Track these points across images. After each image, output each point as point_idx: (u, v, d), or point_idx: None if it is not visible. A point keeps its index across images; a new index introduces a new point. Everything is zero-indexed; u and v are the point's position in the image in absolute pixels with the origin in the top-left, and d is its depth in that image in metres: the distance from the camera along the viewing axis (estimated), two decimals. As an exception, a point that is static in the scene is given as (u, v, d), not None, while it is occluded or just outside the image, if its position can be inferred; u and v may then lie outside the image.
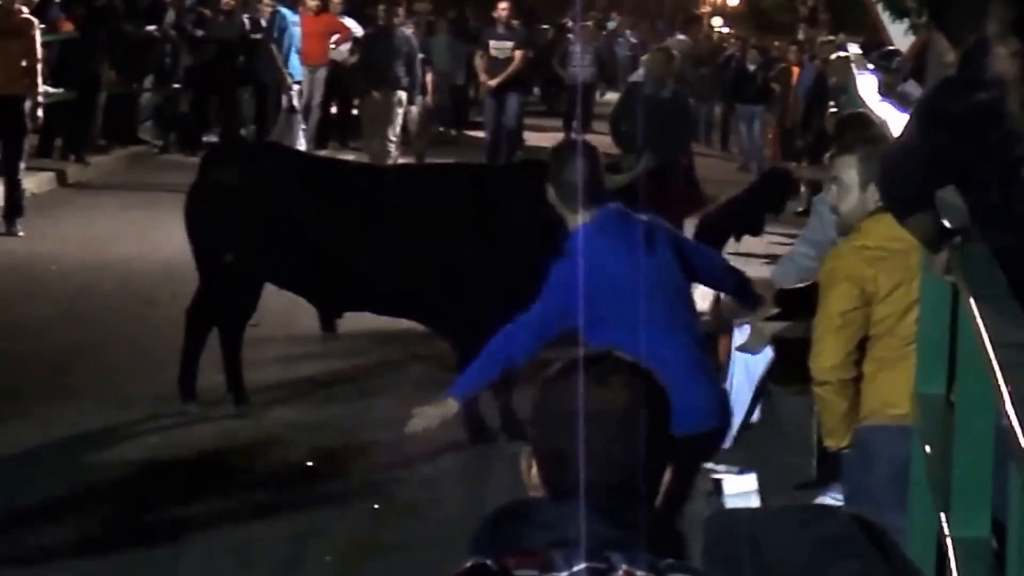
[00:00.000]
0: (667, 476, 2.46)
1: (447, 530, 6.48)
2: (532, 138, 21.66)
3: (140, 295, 10.62)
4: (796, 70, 20.17)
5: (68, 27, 17.09)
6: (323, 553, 6.60)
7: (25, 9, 13.32)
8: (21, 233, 13.20)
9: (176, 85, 19.11)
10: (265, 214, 8.25)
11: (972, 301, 3.64)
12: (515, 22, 21.49)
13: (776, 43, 22.51)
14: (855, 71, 12.61)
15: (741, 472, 7.00)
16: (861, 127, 6.03)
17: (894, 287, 5.12)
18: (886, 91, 11.18)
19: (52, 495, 7.14)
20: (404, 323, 8.75)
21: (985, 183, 4.35)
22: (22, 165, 13.46)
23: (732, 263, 6.49)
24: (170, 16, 19.34)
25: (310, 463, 7.74)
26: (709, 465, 6.72)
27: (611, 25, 32.33)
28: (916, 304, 4.98)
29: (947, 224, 4.48)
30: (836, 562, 2.13)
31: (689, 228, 11.04)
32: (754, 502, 6.67)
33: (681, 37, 21.93)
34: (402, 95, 16.42)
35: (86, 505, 7.06)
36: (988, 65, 4.20)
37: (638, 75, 22.06)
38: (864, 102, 9.17)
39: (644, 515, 2.37)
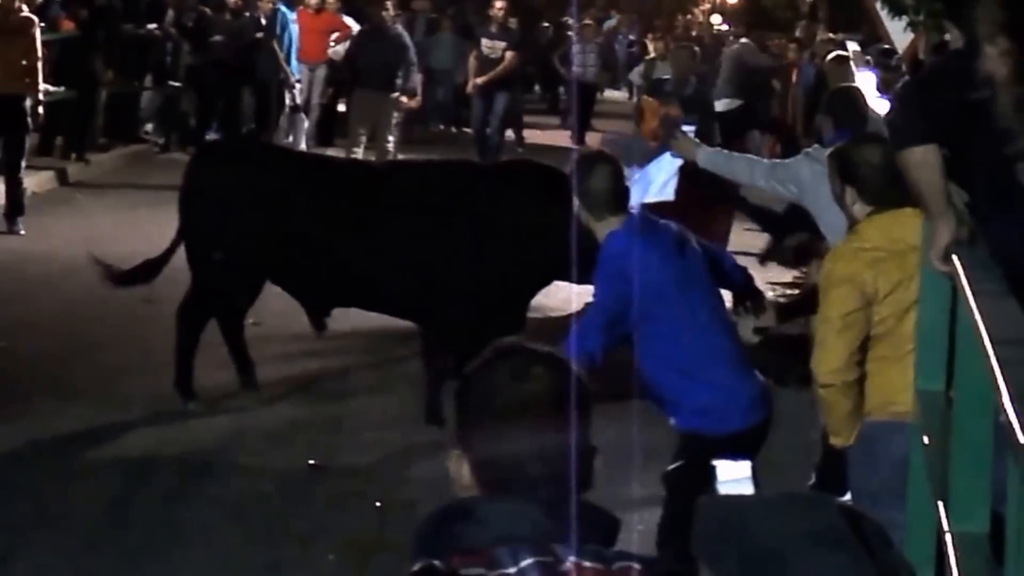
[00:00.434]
0: (598, 462, 2.46)
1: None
2: (532, 136, 21.70)
3: (141, 293, 10.60)
4: (795, 68, 20.13)
5: (69, 26, 17.10)
6: (326, 551, 6.62)
7: (25, 8, 13.33)
8: (23, 232, 13.22)
9: (176, 83, 19.10)
10: (254, 212, 8.30)
11: (971, 298, 3.66)
12: (513, 21, 21.52)
13: (776, 41, 22.46)
14: (853, 69, 12.64)
15: (735, 458, 7.01)
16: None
17: (893, 287, 5.15)
18: (884, 88, 11.21)
19: (53, 493, 7.16)
20: (406, 321, 8.77)
21: (982, 176, 4.38)
22: (23, 164, 13.50)
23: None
24: (170, 15, 19.36)
25: (312, 461, 7.76)
26: None
27: (610, 23, 32.33)
28: (916, 303, 5.00)
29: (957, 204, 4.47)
30: (823, 552, 2.14)
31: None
32: (747, 489, 6.66)
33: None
34: (396, 95, 16.31)
35: (87, 503, 7.07)
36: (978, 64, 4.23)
37: (637, 73, 22.13)
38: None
39: (579, 503, 2.36)
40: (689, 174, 8.53)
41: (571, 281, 8.75)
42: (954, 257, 4.09)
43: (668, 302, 5.43)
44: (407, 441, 8.15)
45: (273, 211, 8.30)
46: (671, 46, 23.08)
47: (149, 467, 7.62)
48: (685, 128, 7.90)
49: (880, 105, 7.56)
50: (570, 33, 23.95)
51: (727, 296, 6.06)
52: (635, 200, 6.42)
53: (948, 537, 3.84)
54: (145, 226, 13.10)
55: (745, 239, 12.47)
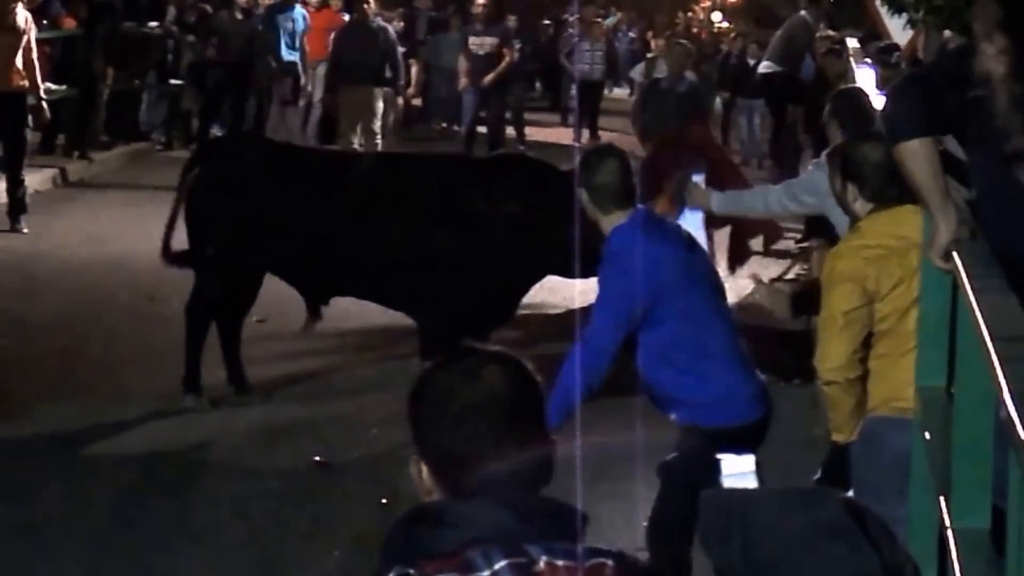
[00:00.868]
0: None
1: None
2: (533, 133, 21.69)
3: (144, 291, 10.65)
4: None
5: (70, 24, 17.11)
6: (331, 547, 6.64)
7: (20, 6, 13.33)
8: (25, 230, 13.23)
9: (178, 81, 19.11)
10: (255, 205, 8.34)
11: (971, 294, 3.68)
12: (512, 18, 21.53)
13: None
14: (853, 65, 12.65)
15: (739, 452, 7.03)
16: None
17: (895, 284, 5.17)
18: (884, 85, 11.22)
19: (56, 491, 7.18)
20: (408, 319, 8.79)
21: (980, 175, 4.40)
22: (24, 162, 13.51)
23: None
24: (172, 12, 19.37)
25: (317, 458, 7.78)
26: None
27: (611, 21, 32.33)
28: (918, 300, 5.02)
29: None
30: (827, 545, 2.16)
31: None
32: (751, 482, 6.69)
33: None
34: (381, 91, 16.21)
35: (90, 500, 7.09)
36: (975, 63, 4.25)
37: (638, 71, 22.13)
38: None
39: (543, 500, 2.37)
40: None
41: (564, 276, 8.80)
42: (954, 253, 4.11)
43: (672, 297, 5.45)
44: (410, 438, 8.15)
45: (273, 204, 8.36)
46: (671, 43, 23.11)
47: (153, 464, 7.64)
48: (697, 177, 7.96)
49: (880, 102, 7.55)
50: (571, 31, 23.91)
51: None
52: None
53: (950, 533, 3.86)
54: (147, 224, 13.10)
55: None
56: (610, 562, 2.32)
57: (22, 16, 13.21)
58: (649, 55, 23.37)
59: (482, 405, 2.38)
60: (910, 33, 14.19)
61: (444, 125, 22.38)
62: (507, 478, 2.36)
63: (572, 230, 6.52)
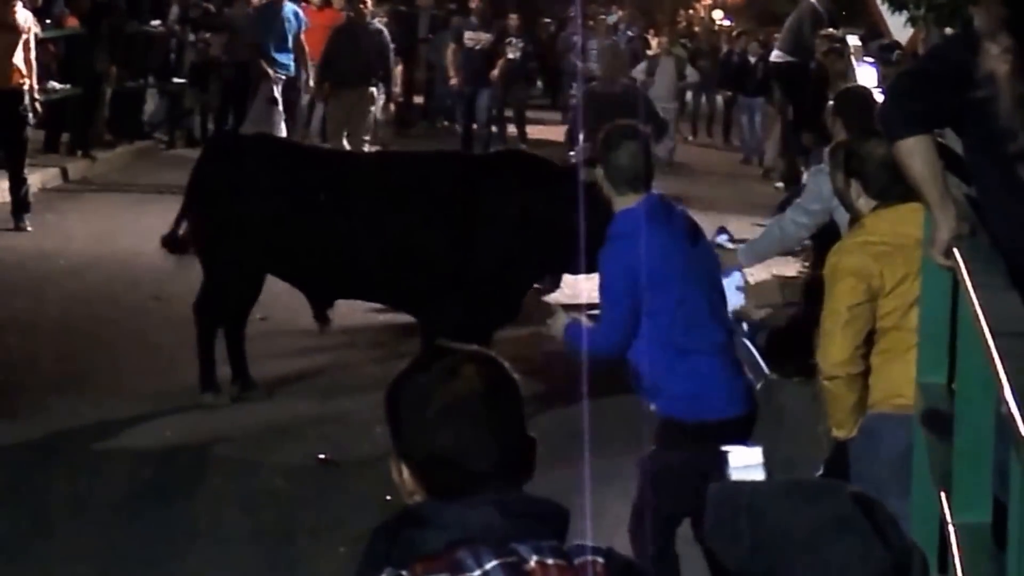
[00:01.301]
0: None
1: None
2: (535, 131, 21.69)
3: (148, 289, 10.67)
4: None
5: (73, 23, 17.13)
6: (336, 545, 6.65)
7: (20, 5, 13.35)
8: (29, 228, 13.24)
9: (181, 80, 19.11)
10: (262, 204, 8.36)
11: (972, 291, 3.69)
12: (513, 16, 21.50)
13: (777, 36, 22.46)
14: (853, 62, 12.65)
15: (747, 445, 7.06)
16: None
17: (899, 281, 5.18)
18: (885, 83, 11.23)
19: (62, 489, 7.21)
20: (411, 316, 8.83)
21: (983, 174, 4.42)
22: (26, 160, 13.52)
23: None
24: (175, 11, 19.37)
25: (322, 455, 7.80)
26: None
27: (612, 19, 32.32)
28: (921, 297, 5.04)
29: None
30: (835, 538, 2.17)
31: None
32: (759, 475, 6.71)
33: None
34: (374, 91, 16.08)
35: (95, 498, 7.11)
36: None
37: (640, 70, 22.12)
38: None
39: (525, 498, 2.37)
40: None
41: (566, 272, 8.83)
42: (955, 250, 4.12)
43: (668, 288, 5.47)
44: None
45: (277, 203, 8.38)
46: (672, 42, 23.13)
47: (158, 462, 7.66)
48: (720, 238, 7.99)
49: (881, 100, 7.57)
50: (571, 29, 23.91)
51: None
52: None
53: (950, 528, 3.87)
54: (151, 223, 13.11)
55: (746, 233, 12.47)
56: (600, 559, 2.32)
57: (22, 15, 13.23)
58: (649, 53, 23.34)
59: (460, 404, 2.37)
60: (911, 31, 14.21)
61: (446, 123, 22.39)
62: (490, 477, 2.35)
63: (573, 226, 6.56)
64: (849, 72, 12.26)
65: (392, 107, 17.08)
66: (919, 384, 4.82)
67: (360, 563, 2.32)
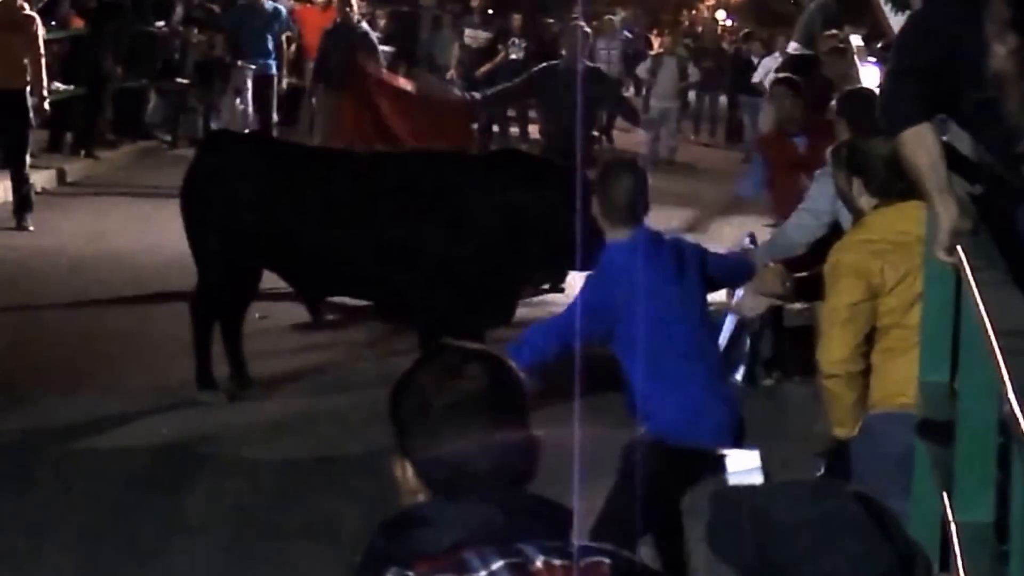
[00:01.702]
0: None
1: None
2: (535, 131, 21.66)
3: (149, 288, 10.68)
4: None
5: (78, 23, 17.15)
6: (335, 542, 6.65)
7: (27, 5, 13.37)
8: (31, 227, 13.25)
9: (184, 80, 19.12)
10: (253, 201, 8.38)
11: (975, 289, 3.69)
12: (517, 16, 21.49)
13: (779, 36, 22.46)
14: (857, 62, 12.64)
15: (745, 448, 7.06)
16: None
17: (900, 279, 5.18)
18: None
19: (58, 485, 7.20)
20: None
21: (989, 172, 4.41)
22: (28, 159, 13.54)
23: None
24: (178, 12, 19.38)
25: (319, 453, 7.80)
26: None
27: (615, 19, 32.30)
28: (922, 295, 5.03)
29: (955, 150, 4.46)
30: (839, 540, 2.16)
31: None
32: (757, 479, 6.71)
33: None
34: None
35: (91, 495, 7.10)
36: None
37: (643, 69, 22.11)
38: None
39: (528, 498, 2.36)
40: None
41: (562, 269, 8.83)
42: (958, 248, 4.11)
43: (654, 323, 5.52)
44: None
45: (268, 200, 8.39)
46: (677, 41, 23.11)
47: (154, 459, 7.65)
48: (745, 241, 8.02)
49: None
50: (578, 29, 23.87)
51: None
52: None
53: (952, 527, 3.87)
54: (153, 222, 13.16)
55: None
56: (606, 560, 2.31)
57: (28, 16, 13.25)
58: (651, 52, 23.33)
59: (464, 402, 2.36)
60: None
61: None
62: (493, 476, 2.34)
63: (567, 225, 6.58)
64: (852, 72, 12.24)
65: None
66: (921, 383, 4.81)
67: (360, 563, 2.30)
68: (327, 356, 9.65)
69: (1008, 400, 2.91)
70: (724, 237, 12.15)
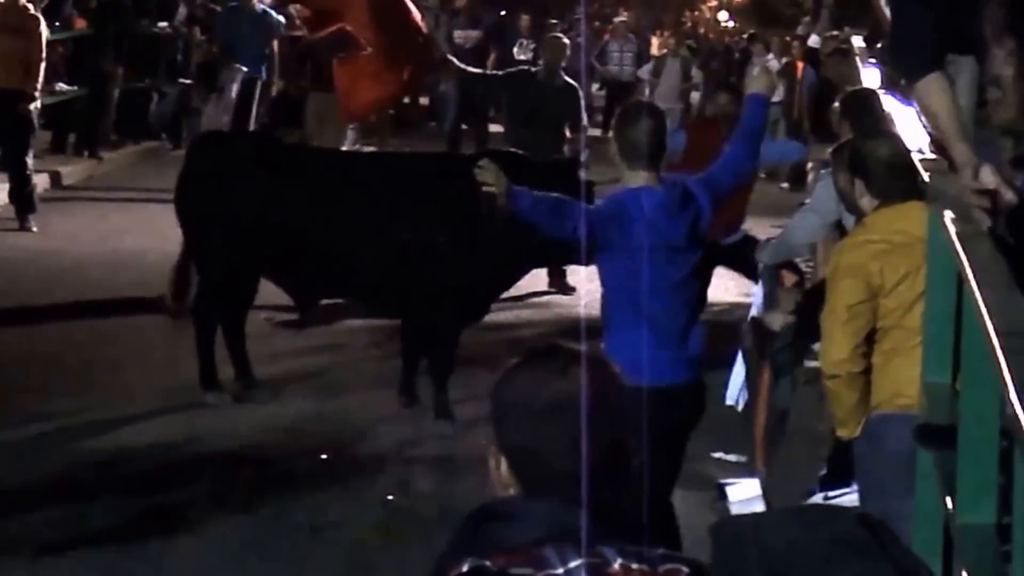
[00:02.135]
0: (637, 462, 2.47)
1: (461, 520, 6.53)
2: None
3: (152, 289, 10.64)
4: (800, 64, 20.19)
5: (80, 24, 17.16)
6: (337, 543, 6.66)
7: (31, 6, 13.38)
8: (34, 228, 13.26)
9: (187, 81, 19.12)
10: (246, 201, 8.39)
11: (976, 290, 3.69)
12: (525, 17, 21.47)
13: (785, 38, 22.46)
14: (859, 64, 12.64)
15: (745, 477, 7.07)
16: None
17: (900, 279, 5.18)
18: (889, 84, 11.22)
19: (65, 486, 7.20)
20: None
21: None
22: (30, 161, 13.54)
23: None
24: (181, 12, 19.38)
25: (324, 455, 7.80)
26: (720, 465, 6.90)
27: (618, 20, 32.35)
28: (923, 296, 5.04)
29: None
30: (846, 561, 2.15)
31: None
32: (758, 507, 6.73)
33: None
34: None
35: (98, 496, 7.11)
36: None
37: (646, 70, 22.12)
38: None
39: (617, 505, 2.38)
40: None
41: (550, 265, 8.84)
42: (959, 250, 4.12)
43: (624, 266, 5.59)
44: (416, 434, 8.20)
45: (260, 200, 8.41)
46: (680, 42, 23.13)
47: (157, 459, 7.66)
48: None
49: (886, 100, 7.56)
50: (578, 33, 23.87)
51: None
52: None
53: (955, 528, 3.87)
54: (156, 223, 13.15)
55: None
56: (685, 569, 2.31)
57: (32, 17, 13.26)
58: (654, 53, 23.35)
59: (563, 404, 2.36)
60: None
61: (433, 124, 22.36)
62: (583, 479, 2.34)
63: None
64: (854, 73, 12.24)
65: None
66: (923, 384, 4.81)
67: (445, 551, 2.33)
68: (331, 358, 9.66)
69: (1010, 401, 2.91)
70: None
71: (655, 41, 28.50)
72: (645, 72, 22.01)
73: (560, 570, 2.25)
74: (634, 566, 2.28)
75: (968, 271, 3.90)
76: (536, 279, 11.23)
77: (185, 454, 7.78)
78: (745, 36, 24.36)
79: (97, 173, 16.74)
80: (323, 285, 8.71)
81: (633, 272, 5.54)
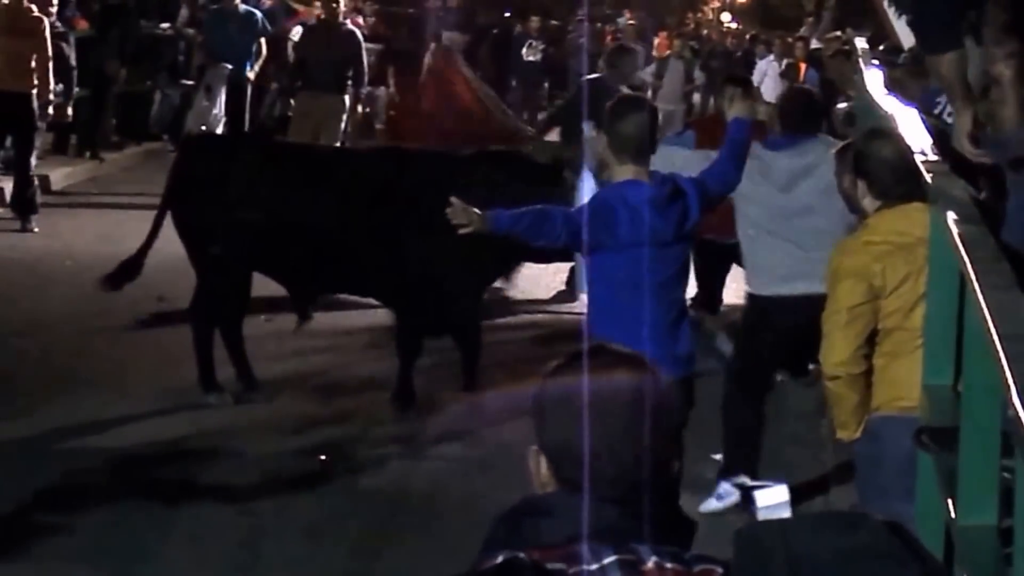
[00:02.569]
0: (677, 466, 2.48)
1: (461, 520, 6.53)
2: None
3: (154, 290, 10.65)
4: (803, 66, 20.20)
5: (83, 25, 17.17)
6: (338, 544, 6.66)
7: (35, 8, 13.40)
8: (36, 229, 13.26)
9: (189, 82, 19.12)
10: (239, 199, 8.39)
11: (979, 292, 3.68)
12: (535, 19, 21.46)
13: (788, 39, 22.48)
14: (862, 65, 12.62)
15: (773, 484, 7.07)
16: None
17: (901, 281, 5.18)
18: (892, 85, 11.20)
19: (67, 487, 7.20)
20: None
21: (992, 175, 4.42)
22: (33, 162, 13.56)
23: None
24: (184, 14, 19.39)
25: (323, 455, 7.80)
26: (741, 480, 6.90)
27: (621, 22, 32.38)
28: (924, 297, 5.03)
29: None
30: (875, 567, 2.14)
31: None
32: (785, 513, 6.71)
33: None
34: (345, 99, 15.08)
35: (97, 496, 7.12)
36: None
37: (648, 71, 22.11)
38: (871, 96, 9.21)
39: (659, 505, 2.37)
40: None
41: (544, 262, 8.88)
42: (962, 251, 4.12)
43: (627, 269, 5.59)
44: (418, 435, 8.19)
45: (258, 198, 8.41)
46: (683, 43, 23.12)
47: (158, 460, 7.66)
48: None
49: (888, 102, 7.55)
50: (578, 32, 23.92)
51: None
52: None
53: (956, 530, 3.87)
54: (157, 223, 13.18)
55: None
56: (719, 570, 2.30)
57: (36, 19, 13.27)
58: (655, 55, 23.37)
59: (606, 404, 2.37)
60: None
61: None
62: (621, 479, 2.36)
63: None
64: (856, 75, 12.22)
65: (361, 111, 16.24)
66: (925, 386, 4.81)
67: (482, 547, 2.33)
68: (332, 358, 9.66)
69: (1012, 403, 2.91)
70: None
71: (657, 42, 28.48)
72: (647, 74, 22.01)
73: (594, 566, 2.26)
74: (668, 565, 2.28)
75: (971, 273, 3.89)
76: (536, 281, 11.25)
77: (185, 454, 7.78)
78: (748, 37, 24.37)
79: (99, 174, 16.75)
80: (319, 281, 8.72)
81: (621, 268, 5.55)
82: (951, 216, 4.39)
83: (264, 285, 8.91)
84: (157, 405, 8.45)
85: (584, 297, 7.17)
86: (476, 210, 5.72)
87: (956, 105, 4.77)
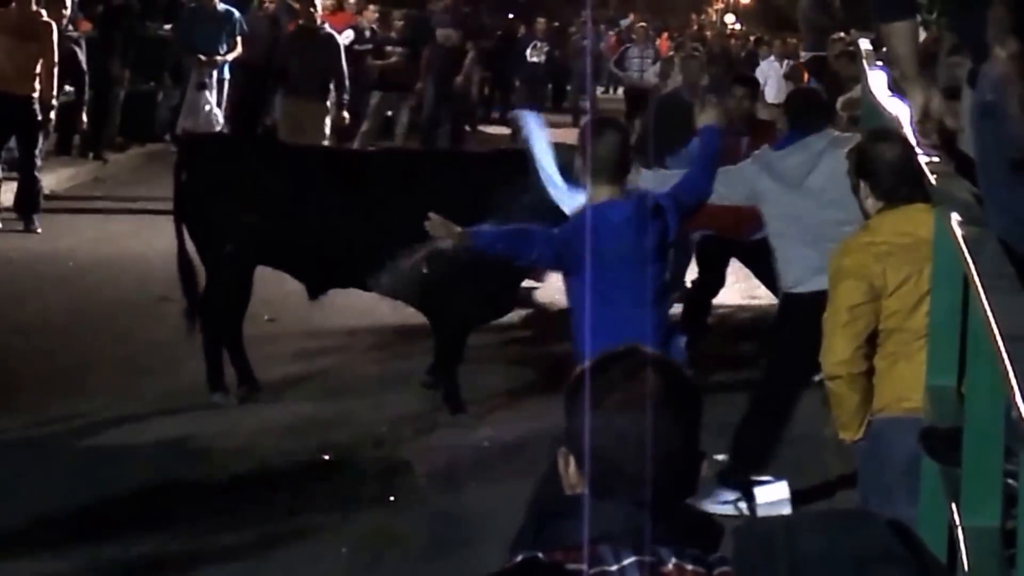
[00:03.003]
0: (704, 468, 2.48)
1: (463, 522, 6.54)
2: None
3: (157, 291, 10.66)
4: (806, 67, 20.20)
5: (86, 27, 17.18)
6: (339, 545, 6.66)
7: (44, 12, 13.42)
8: (39, 230, 13.28)
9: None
10: (242, 199, 8.40)
11: (983, 293, 3.68)
12: (541, 20, 21.45)
13: (791, 41, 22.49)
14: (866, 66, 12.62)
15: (773, 480, 7.06)
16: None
17: (902, 281, 5.18)
18: (896, 87, 11.19)
19: (66, 486, 7.20)
20: (419, 318, 8.82)
21: (993, 176, 4.41)
22: (38, 163, 13.57)
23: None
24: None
25: (326, 456, 7.81)
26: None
27: (624, 23, 32.42)
28: (926, 298, 5.03)
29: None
30: (881, 569, 2.14)
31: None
32: (785, 510, 6.73)
33: None
34: (328, 104, 14.97)
35: (100, 497, 7.11)
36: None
37: (653, 72, 22.06)
38: (875, 96, 9.20)
39: (684, 508, 2.39)
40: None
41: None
42: (966, 253, 4.11)
43: (607, 287, 5.60)
44: (420, 436, 8.20)
45: (250, 200, 8.42)
46: (687, 45, 23.11)
47: (161, 462, 7.65)
48: None
49: (893, 104, 7.55)
50: (580, 34, 23.94)
51: None
52: None
53: (960, 532, 3.86)
54: (161, 224, 13.16)
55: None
56: None
57: (44, 23, 13.28)
58: (662, 56, 23.36)
59: (635, 406, 2.38)
60: (923, 35, 14.17)
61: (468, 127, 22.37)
62: (647, 481, 2.36)
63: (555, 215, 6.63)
64: (861, 76, 12.22)
65: (345, 116, 15.78)
66: (928, 387, 4.81)
67: (510, 548, 2.35)
68: (335, 359, 9.66)
69: (1015, 405, 2.90)
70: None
71: (659, 44, 28.51)
72: (651, 74, 22.00)
73: (614, 567, 2.27)
74: (688, 567, 2.29)
75: (974, 274, 3.89)
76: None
77: (186, 455, 7.78)
78: (752, 39, 24.38)
79: (102, 175, 16.76)
80: (328, 276, 8.71)
81: (603, 287, 5.55)
82: (955, 217, 4.39)
83: (264, 285, 8.92)
84: (158, 405, 8.46)
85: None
86: (456, 226, 5.78)
87: (906, 82, 4.90)
